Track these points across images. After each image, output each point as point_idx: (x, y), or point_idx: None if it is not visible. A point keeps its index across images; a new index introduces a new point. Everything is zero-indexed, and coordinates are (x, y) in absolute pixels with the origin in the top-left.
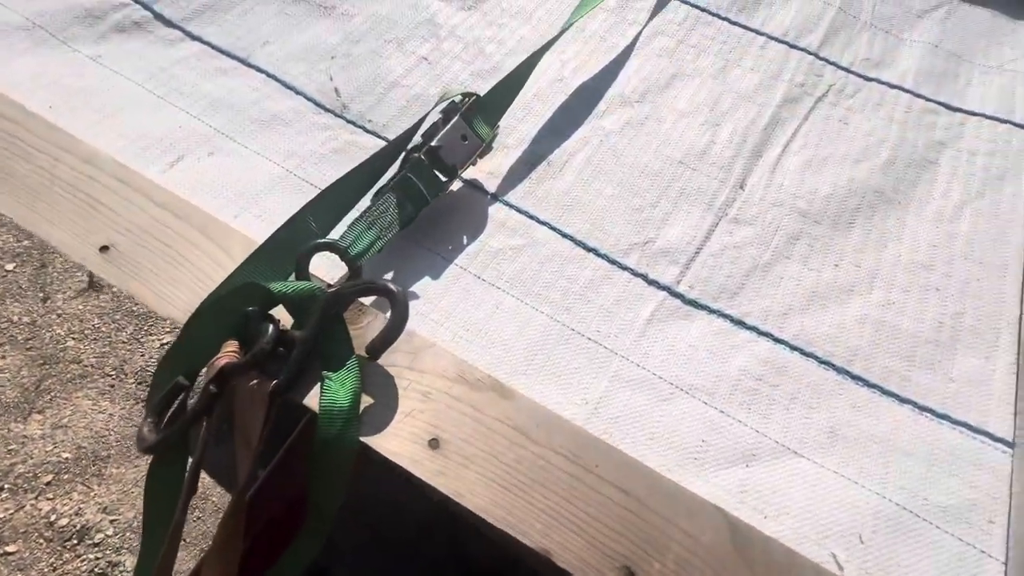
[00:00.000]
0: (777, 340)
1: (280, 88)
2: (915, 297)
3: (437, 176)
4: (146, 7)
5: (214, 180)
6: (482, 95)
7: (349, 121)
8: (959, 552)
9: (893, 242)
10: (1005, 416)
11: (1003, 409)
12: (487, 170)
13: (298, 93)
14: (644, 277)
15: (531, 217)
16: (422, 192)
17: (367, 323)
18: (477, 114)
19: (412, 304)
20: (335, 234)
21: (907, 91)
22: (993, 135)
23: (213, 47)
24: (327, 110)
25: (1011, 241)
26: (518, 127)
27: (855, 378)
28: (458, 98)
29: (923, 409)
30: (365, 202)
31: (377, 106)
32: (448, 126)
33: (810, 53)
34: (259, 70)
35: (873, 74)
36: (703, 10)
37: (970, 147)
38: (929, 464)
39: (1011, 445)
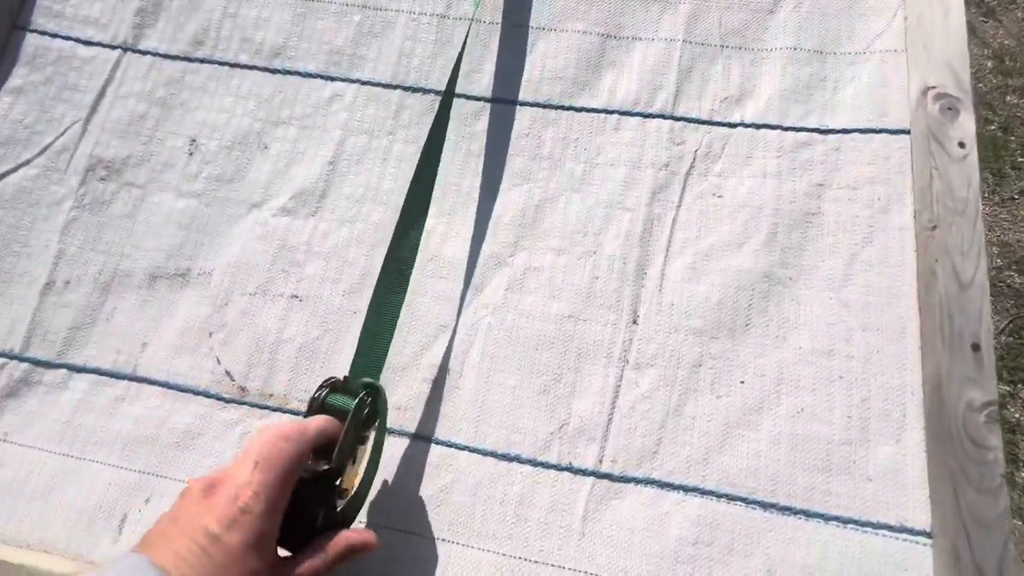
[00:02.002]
0: (703, 492)
1: (177, 395)
2: (822, 396)
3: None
4: (21, 359)
5: None
6: (358, 381)
7: (253, 405)
8: None
9: (792, 332)
10: (921, 504)
11: (919, 497)
12: (396, 405)
13: (196, 393)
14: (569, 468)
15: (450, 445)
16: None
17: None
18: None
19: None
20: None
21: (775, 127)
22: (871, 155)
23: (100, 372)
24: (228, 400)
25: (904, 292)
26: (407, 338)
27: (781, 509)
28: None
29: (847, 522)
30: None
31: (271, 376)
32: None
33: (666, 117)
34: (151, 382)
35: (736, 117)
36: (544, 106)
37: (850, 180)
38: None
39: (929, 535)
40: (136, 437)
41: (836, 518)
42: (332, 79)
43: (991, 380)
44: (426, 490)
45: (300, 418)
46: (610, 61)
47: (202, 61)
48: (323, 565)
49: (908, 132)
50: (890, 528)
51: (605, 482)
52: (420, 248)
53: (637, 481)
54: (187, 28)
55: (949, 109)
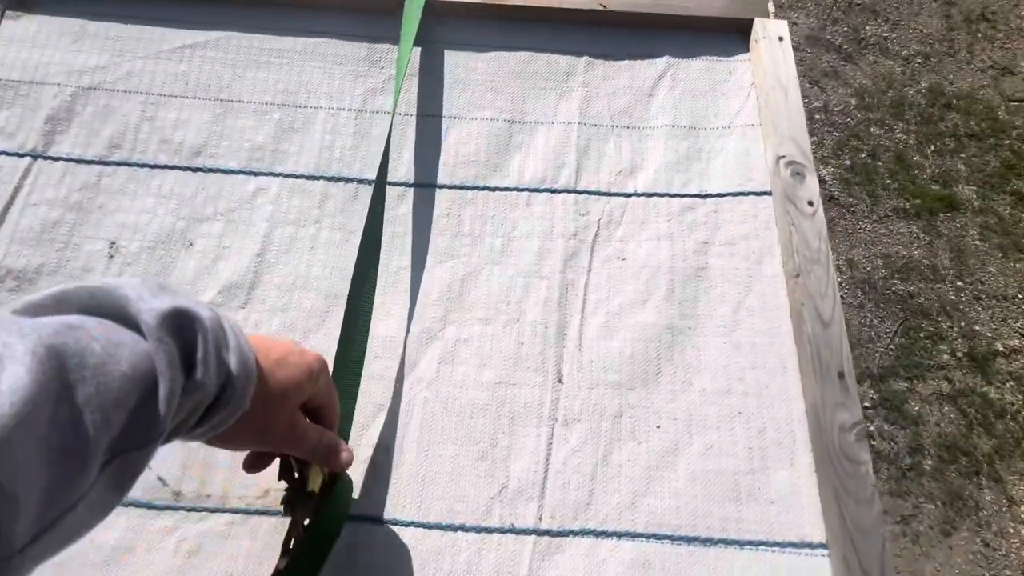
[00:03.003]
0: (634, 536)
1: None
2: (726, 432)
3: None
4: None
5: None
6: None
7: (189, 509)
8: None
9: (696, 376)
10: (816, 520)
11: (813, 513)
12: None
13: (125, 505)
14: (511, 530)
15: (396, 523)
16: None
17: None
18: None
19: None
20: None
21: (663, 195)
22: (743, 214)
23: None
24: (162, 508)
25: (782, 332)
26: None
27: (703, 541)
28: None
29: (758, 545)
30: None
31: (208, 476)
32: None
33: (571, 191)
34: None
35: (631, 187)
36: (461, 187)
37: (729, 237)
38: None
39: (826, 547)
40: (57, 560)
41: (749, 542)
42: (255, 174)
43: (856, 403)
44: (376, 571)
45: (242, 516)
46: (517, 144)
47: (119, 164)
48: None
49: (770, 193)
50: (794, 545)
51: (546, 538)
52: None
53: (575, 533)
54: (102, 133)
55: (797, 174)
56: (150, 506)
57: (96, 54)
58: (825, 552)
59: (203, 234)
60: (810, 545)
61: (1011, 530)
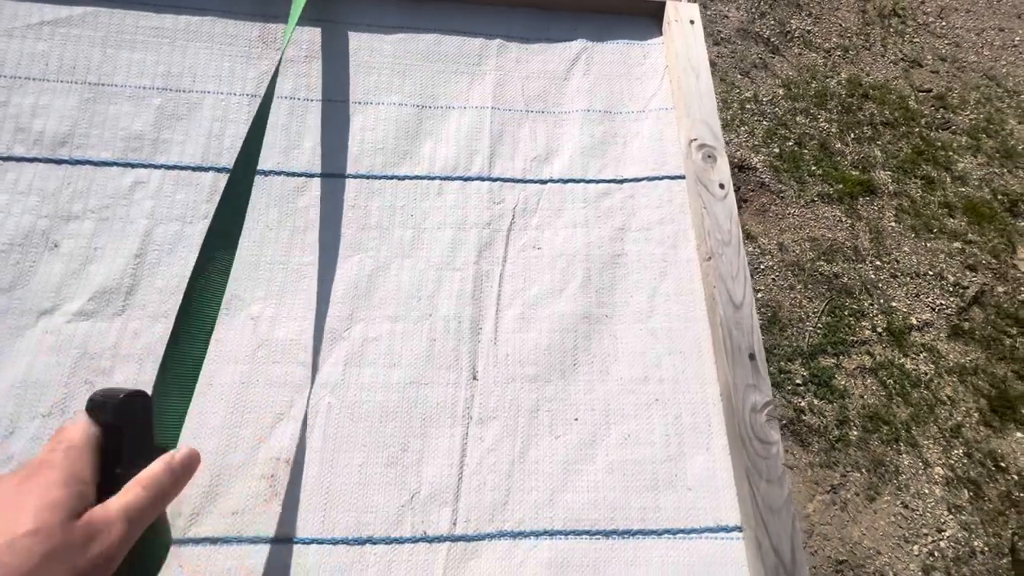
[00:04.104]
0: (552, 534)
1: None
2: (643, 420)
3: None
4: None
5: None
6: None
7: None
8: None
9: (613, 365)
10: (731, 503)
11: (729, 496)
12: (231, 510)
13: None
14: (424, 539)
15: (296, 542)
16: None
17: None
18: None
19: None
20: None
21: (579, 181)
22: (658, 199)
23: None
24: None
25: (697, 316)
26: (240, 433)
27: (621, 534)
28: None
29: (675, 533)
30: None
31: None
32: None
33: (485, 179)
34: None
35: (546, 173)
36: (367, 177)
37: (645, 222)
38: None
39: (741, 529)
40: None
41: (667, 531)
42: (132, 166)
43: (766, 384)
44: None
45: None
46: (427, 130)
47: None
48: (144, 494)
49: (684, 177)
50: (710, 530)
51: (460, 544)
52: (249, 333)
53: (491, 536)
54: None
55: (709, 157)
56: None
57: None
58: (740, 535)
59: (71, 234)
60: (725, 528)
61: (927, 491)
